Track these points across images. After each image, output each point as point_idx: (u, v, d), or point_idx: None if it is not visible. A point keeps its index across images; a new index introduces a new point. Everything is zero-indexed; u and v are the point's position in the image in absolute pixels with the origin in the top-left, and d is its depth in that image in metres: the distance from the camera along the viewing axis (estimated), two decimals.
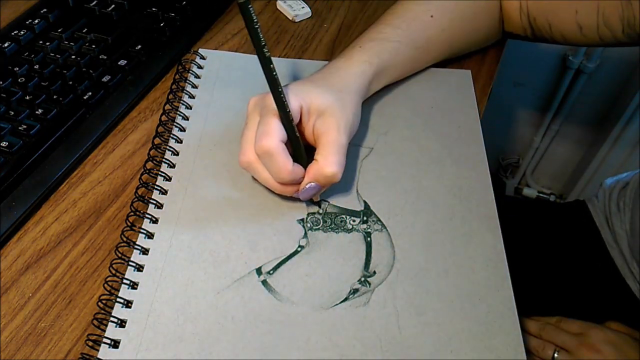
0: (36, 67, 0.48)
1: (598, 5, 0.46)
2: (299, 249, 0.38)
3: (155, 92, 0.51)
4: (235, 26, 0.58)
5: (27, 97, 0.45)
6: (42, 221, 0.40)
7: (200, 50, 0.53)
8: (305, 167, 0.38)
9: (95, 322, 0.33)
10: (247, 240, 0.38)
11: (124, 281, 0.35)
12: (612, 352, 0.49)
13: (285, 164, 0.36)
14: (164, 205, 0.40)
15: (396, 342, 0.33)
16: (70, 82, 0.47)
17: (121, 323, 0.33)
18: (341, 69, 0.43)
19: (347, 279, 0.36)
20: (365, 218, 0.40)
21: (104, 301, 0.35)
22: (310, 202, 0.41)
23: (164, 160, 0.42)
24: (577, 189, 1.21)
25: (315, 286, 0.36)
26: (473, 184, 0.43)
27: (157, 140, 0.44)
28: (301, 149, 0.39)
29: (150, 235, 0.38)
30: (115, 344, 0.32)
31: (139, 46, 0.51)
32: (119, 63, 0.49)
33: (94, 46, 0.50)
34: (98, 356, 0.32)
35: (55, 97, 0.46)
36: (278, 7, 0.61)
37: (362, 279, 0.37)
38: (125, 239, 0.37)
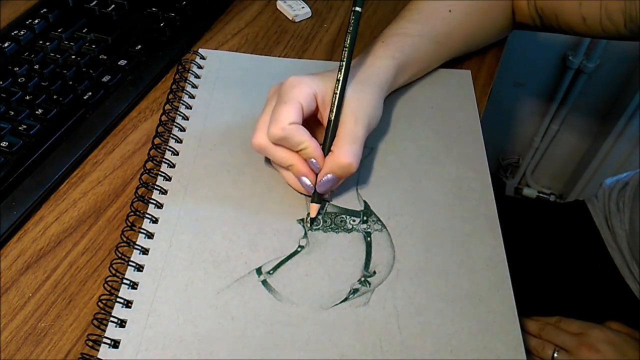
0: (36, 67, 0.48)
1: None
2: (299, 249, 0.38)
3: (155, 92, 0.51)
4: (236, 26, 0.58)
5: (27, 97, 0.45)
6: (42, 221, 0.40)
7: (200, 50, 0.53)
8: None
9: (95, 322, 0.33)
10: (247, 240, 0.38)
11: (124, 281, 0.35)
12: (612, 352, 0.49)
13: (303, 136, 0.37)
14: (164, 205, 0.40)
15: (396, 342, 0.33)
16: (70, 82, 0.47)
17: (121, 323, 0.33)
18: (363, 63, 0.44)
19: (347, 279, 0.36)
20: (365, 218, 0.40)
21: (104, 301, 0.35)
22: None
23: (164, 160, 0.42)
24: (577, 189, 1.21)
25: (315, 286, 0.36)
26: (473, 184, 0.43)
27: (157, 140, 0.44)
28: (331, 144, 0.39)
29: (150, 235, 0.38)
30: (115, 344, 0.32)
31: (139, 46, 0.51)
32: (119, 63, 0.49)
33: (94, 46, 0.50)
34: (98, 356, 0.32)
35: (55, 97, 0.46)
36: (278, 7, 0.61)
37: (362, 279, 0.37)
38: (125, 239, 0.37)
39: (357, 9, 0.39)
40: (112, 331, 0.33)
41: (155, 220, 0.39)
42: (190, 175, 0.42)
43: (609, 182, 0.67)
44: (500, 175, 1.33)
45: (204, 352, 0.32)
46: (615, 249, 0.62)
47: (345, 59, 0.39)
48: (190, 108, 0.47)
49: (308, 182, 0.39)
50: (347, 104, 0.39)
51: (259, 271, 0.36)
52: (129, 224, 0.38)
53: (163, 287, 0.35)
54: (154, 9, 0.56)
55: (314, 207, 0.39)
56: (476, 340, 0.34)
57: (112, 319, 0.33)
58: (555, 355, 0.51)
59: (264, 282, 0.36)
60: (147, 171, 0.41)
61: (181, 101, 0.47)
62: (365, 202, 0.41)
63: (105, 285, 0.35)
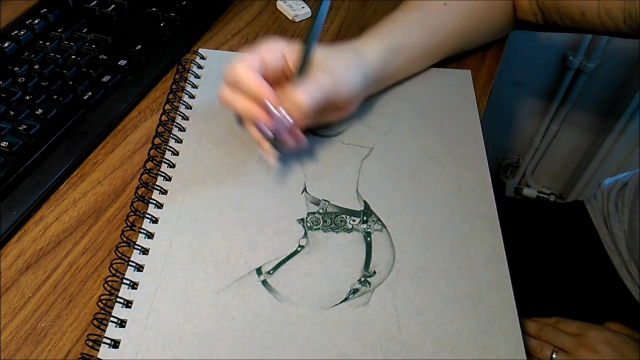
0: (36, 67, 0.48)
1: None
2: (299, 248, 0.38)
3: (155, 92, 0.51)
4: (236, 26, 0.58)
5: (27, 97, 0.45)
6: (42, 221, 0.40)
7: (200, 50, 0.53)
8: None
9: (95, 322, 0.33)
10: (247, 240, 0.38)
11: (124, 281, 0.35)
12: (610, 352, 0.49)
13: (253, 79, 0.38)
14: (164, 205, 0.40)
15: (396, 342, 0.33)
16: (70, 82, 0.47)
17: (121, 323, 0.33)
18: (352, 44, 0.45)
19: (347, 279, 0.36)
20: (365, 218, 0.40)
21: (104, 301, 0.35)
22: (314, 202, 0.41)
23: (164, 160, 0.42)
24: (577, 189, 1.21)
25: (315, 286, 0.36)
26: (473, 184, 0.43)
27: (157, 140, 0.44)
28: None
29: (150, 235, 0.38)
30: (115, 344, 0.32)
31: (139, 46, 0.51)
32: (119, 63, 0.49)
33: (94, 46, 0.50)
34: (98, 356, 0.32)
35: (55, 97, 0.46)
36: (278, 7, 0.61)
37: (362, 279, 0.37)
38: (125, 239, 0.37)
39: None
40: (112, 331, 0.33)
41: (155, 220, 0.39)
42: (190, 175, 0.42)
43: (607, 183, 0.67)
44: (500, 175, 1.33)
45: (204, 352, 0.32)
46: (614, 250, 0.62)
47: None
48: (190, 108, 0.47)
49: (265, 127, 0.39)
50: (318, 61, 0.40)
51: (259, 271, 0.36)
52: (129, 224, 0.38)
53: (163, 287, 0.35)
54: (154, 9, 0.56)
55: (270, 153, 0.40)
56: (476, 340, 0.34)
57: (112, 319, 0.33)
58: (554, 356, 0.51)
59: (264, 282, 0.36)
60: (147, 171, 0.41)
61: (181, 101, 0.47)
62: (365, 202, 0.41)
63: (105, 285, 0.35)
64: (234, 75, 0.38)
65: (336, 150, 0.45)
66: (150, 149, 0.43)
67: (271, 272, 0.37)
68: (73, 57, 0.50)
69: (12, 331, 0.34)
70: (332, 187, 0.42)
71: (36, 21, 0.53)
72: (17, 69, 0.48)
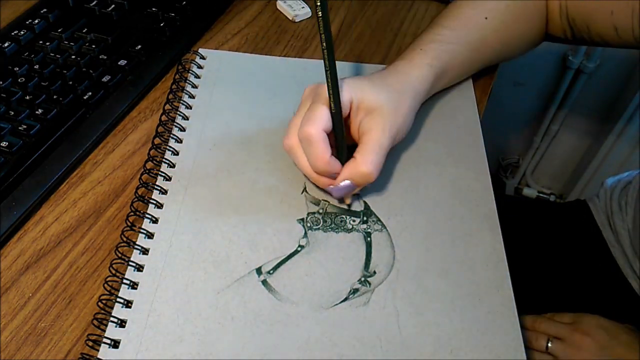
0: (36, 67, 0.48)
1: (633, 6, 0.45)
2: (299, 248, 0.38)
3: (155, 92, 0.51)
4: (235, 26, 0.58)
5: (27, 97, 0.45)
6: (42, 221, 0.40)
7: (200, 50, 0.53)
8: (343, 163, 0.39)
9: (95, 322, 0.33)
10: (247, 240, 0.38)
11: (124, 281, 0.35)
12: (605, 336, 0.49)
13: (323, 153, 0.37)
14: (164, 205, 0.40)
15: (396, 342, 0.33)
16: (70, 82, 0.47)
17: (121, 323, 0.33)
18: (401, 71, 0.43)
19: (347, 278, 0.36)
20: (365, 218, 0.40)
21: (104, 301, 0.35)
22: (314, 202, 0.41)
23: (164, 160, 0.42)
24: (577, 188, 1.21)
25: (315, 286, 0.36)
26: (473, 184, 0.43)
27: (157, 140, 0.44)
28: (344, 143, 0.39)
29: (150, 235, 0.38)
30: (115, 344, 0.32)
31: (139, 46, 0.51)
32: (119, 63, 0.49)
33: (94, 46, 0.50)
34: (98, 356, 0.32)
35: (55, 97, 0.46)
36: (278, 7, 0.61)
37: (362, 278, 0.37)
38: (125, 239, 0.37)
39: None
40: (112, 331, 0.33)
41: (155, 220, 0.39)
42: (190, 175, 0.42)
43: (610, 182, 0.68)
44: (500, 175, 1.33)
45: (204, 352, 0.32)
46: (618, 248, 0.62)
47: (326, 56, 0.36)
48: (190, 108, 0.47)
49: (330, 190, 0.39)
50: (379, 112, 0.39)
51: (259, 271, 0.36)
52: (129, 224, 0.38)
53: (163, 287, 0.35)
54: (154, 9, 0.56)
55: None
56: (476, 340, 0.34)
57: (112, 319, 0.33)
58: (550, 344, 0.51)
59: (264, 282, 0.36)
60: (147, 171, 0.41)
61: (181, 101, 0.47)
62: (365, 202, 0.41)
63: (105, 285, 0.35)
64: (306, 137, 0.37)
65: None
66: (150, 149, 0.43)
67: (271, 272, 0.37)
68: (73, 57, 0.50)
69: (12, 331, 0.34)
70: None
71: (36, 21, 0.53)
72: (17, 69, 0.48)
